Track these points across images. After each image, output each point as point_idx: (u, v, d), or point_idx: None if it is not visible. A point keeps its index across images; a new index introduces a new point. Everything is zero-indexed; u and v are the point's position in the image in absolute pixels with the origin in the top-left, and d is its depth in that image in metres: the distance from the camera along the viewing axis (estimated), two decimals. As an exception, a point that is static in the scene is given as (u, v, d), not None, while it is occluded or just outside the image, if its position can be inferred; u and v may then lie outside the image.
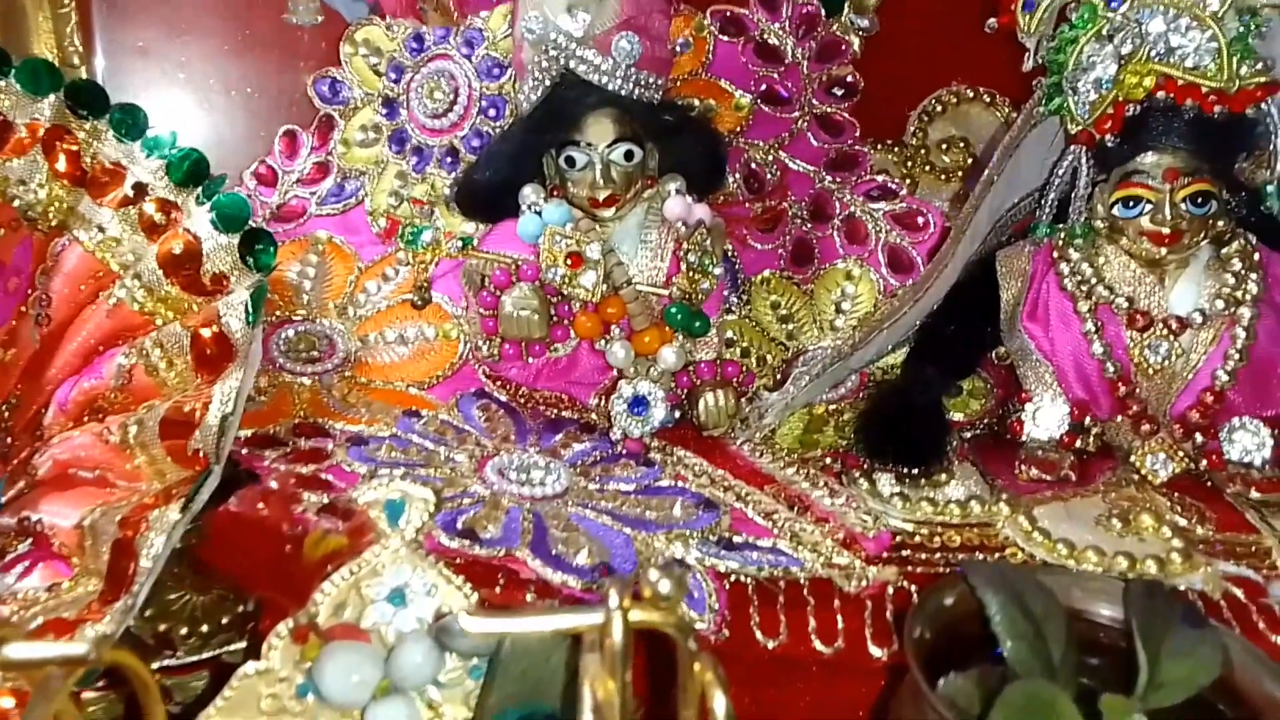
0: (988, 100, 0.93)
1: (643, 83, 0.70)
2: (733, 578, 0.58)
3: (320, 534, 0.47)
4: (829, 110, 0.87)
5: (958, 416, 0.74)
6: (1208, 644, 0.47)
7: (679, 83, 0.85)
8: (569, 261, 0.67)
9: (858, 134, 0.87)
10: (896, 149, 0.94)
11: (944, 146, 0.94)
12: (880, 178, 0.86)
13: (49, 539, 0.61)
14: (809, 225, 0.85)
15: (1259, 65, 0.64)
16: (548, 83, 0.69)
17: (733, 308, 0.82)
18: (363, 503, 0.51)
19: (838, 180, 0.86)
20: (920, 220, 0.83)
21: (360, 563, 0.50)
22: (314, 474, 0.60)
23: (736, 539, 0.60)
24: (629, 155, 0.71)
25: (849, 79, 0.87)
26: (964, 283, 0.75)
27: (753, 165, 0.86)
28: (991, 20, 0.70)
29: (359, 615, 0.50)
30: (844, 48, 0.87)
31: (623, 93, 0.69)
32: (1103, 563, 0.58)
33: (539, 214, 0.69)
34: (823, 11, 0.87)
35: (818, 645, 0.56)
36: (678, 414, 0.74)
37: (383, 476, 0.51)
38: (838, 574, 0.58)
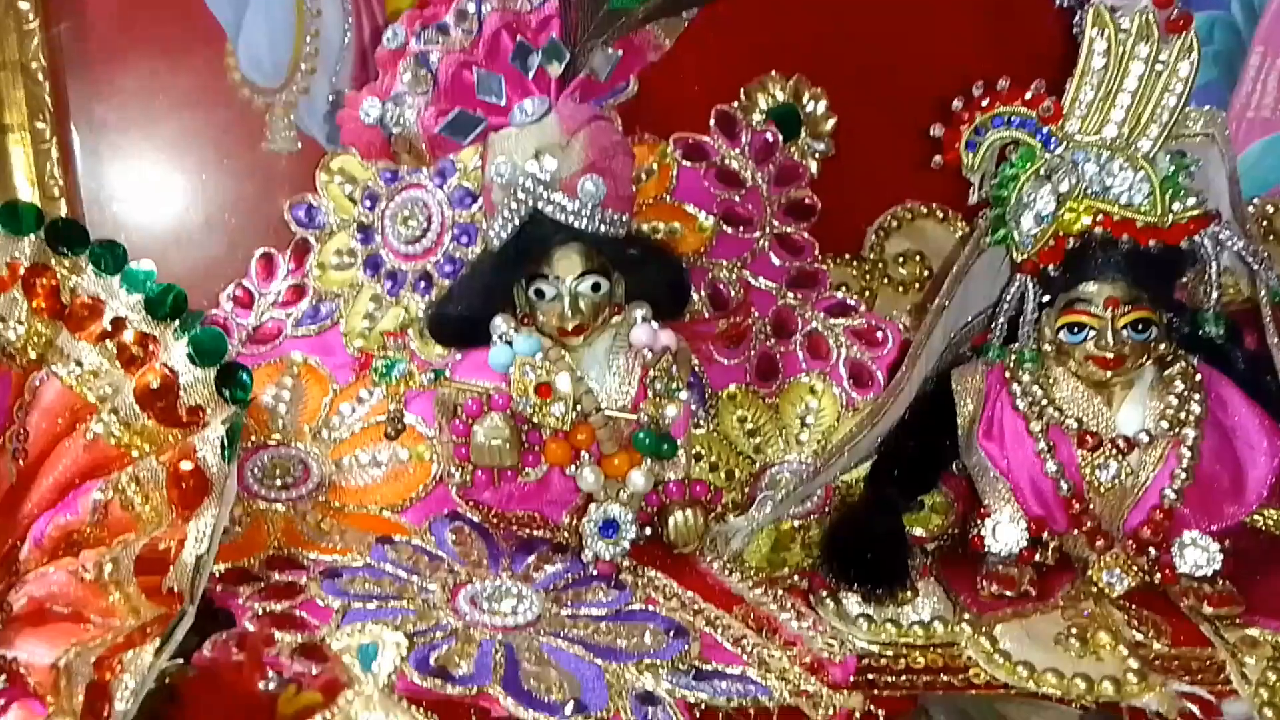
0: (941, 216, 0.97)
1: (607, 220, 0.73)
2: (703, 708, 0.59)
3: (294, 691, 0.48)
4: (789, 231, 0.91)
5: (919, 532, 0.76)
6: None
7: (645, 206, 0.89)
8: (539, 392, 0.69)
9: (816, 252, 0.91)
10: (855, 263, 0.98)
11: (901, 260, 0.98)
12: (839, 294, 0.89)
13: (24, 678, 0.61)
14: (772, 341, 0.88)
15: (1190, 200, 0.68)
16: (517, 221, 0.72)
17: (701, 421, 0.84)
18: (336, 649, 0.52)
19: (799, 297, 0.89)
20: (879, 335, 0.86)
21: (333, 710, 0.51)
22: (288, 611, 0.61)
23: (706, 667, 0.61)
24: (596, 287, 0.73)
25: (806, 201, 0.91)
26: (922, 399, 0.78)
27: (718, 284, 0.89)
28: (937, 158, 0.74)
29: (333, 763, 0.50)
30: (801, 170, 0.92)
31: (589, 230, 0.72)
32: (1061, 685, 0.60)
33: (509, 344, 0.72)
34: (780, 138, 0.91)
35: (786, 776, 0.57)
36: (649, 531, 0.76)
37: (354, 618, 0.52)
38: (805, 702, 0.59)
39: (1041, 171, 0.69)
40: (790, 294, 0.89)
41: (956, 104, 0.72)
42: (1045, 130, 0.69)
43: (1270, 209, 0.88)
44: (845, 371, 0.86)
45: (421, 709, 0.55)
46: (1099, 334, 0.69)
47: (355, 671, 0.52)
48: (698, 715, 0.59)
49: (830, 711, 0.58)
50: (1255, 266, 0.69)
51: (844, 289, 0.96)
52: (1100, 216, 0.68)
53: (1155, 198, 0.67)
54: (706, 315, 0.88)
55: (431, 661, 0.58)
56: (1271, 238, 0.87)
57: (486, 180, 0.73)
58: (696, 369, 0.86)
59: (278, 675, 0.50)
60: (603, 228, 0.73)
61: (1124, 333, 0.68)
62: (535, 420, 0.70)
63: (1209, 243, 0.68)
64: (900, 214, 0.98)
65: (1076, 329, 0.70)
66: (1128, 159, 0.67)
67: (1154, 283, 0.69)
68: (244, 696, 0.47)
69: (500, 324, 0.74)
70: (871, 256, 0.98)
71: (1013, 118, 0.70)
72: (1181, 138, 0.75)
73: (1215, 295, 0.69)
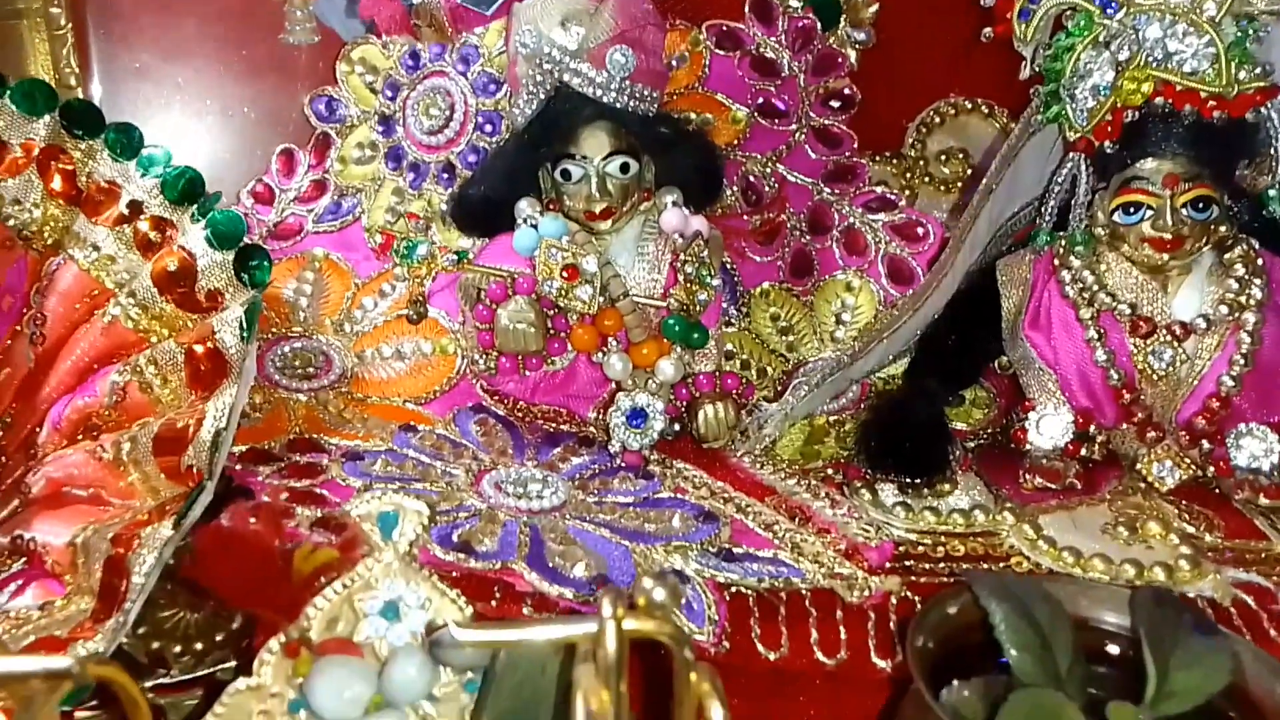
0: (985, 111, 0.93)
1: (637, 95, 0.69)
2: (733, 589, 0.57)
3: (310, 547, 0.47)
4: (826, 123, 0.87)
5: (960, 426, 0.73)
6: (1217, 651, 0.46)
7: (676, 97, 0.85)
8: (565, 274, 0.67)
9: (855, 146, 0.87)
10: (895, 161, 0.94)
11: (943, 158, 0.94)
12: (879, 189, 0.86)
13: (42, 557, 0.60)
14: (808, 237, 0.85)
15: (1257, 70, 0.64)
16: (542, 96, 0.69)
17: (732, 320, 0.82)
18: (356, 516, 0.50)
19: (836, 192, 0.86)
20: (920, 231, 0.83)
21: (353, 576, 0.49)
22: (308, 489, 0.60)
23: (737, 550, 0.59)
24: (624, 168, 0.70)
25: (846, 91, 0.87)
26: (965, 292, 0.75)
27: (751, 178, 0.85)
28: (987, 29, 0.70)
29: (352, 630, 0.49)
30: (840, 60, 0.87)
31: (617, 106, 0.69)
32: (1109, 571, 0.57)
33: (534, 227, 0.69)
34: (819, 25, 0.87)
35: (820, 657, 0.55)
36: (677, 426, 0.74)
37: (376, 490, 0.51)
38: (840, 584, 0.57)
39: (1100, 39, 0.65)
40: (827, 189, 0.86)
41: (1008, -30, 0.68)
42: (1104, -7, 0.65)
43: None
44: (884, 268, 0.82)
45: (444, 582, 0.53)
46: (1157, 213, 0.65)
47: (376, 539, 0.50)
48: (728, 596, 0.57)
49: (866, 594, 0.56)
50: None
51: (883, 186, 0.92)
52: (1161, 86, 0.64)
53: (1221, 65, 0.63)
54: (739, 210, 0.85)
55: (455, 537, 0.56)
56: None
57: (510, 53, 0.70)
58: (729, 265, 0.83)
59: (295, 541, 0.48)
60: (631, 103, 0.69)
61: (1183, 212, 0.65)
62: (561, 304, 0.68)
63: (1276, 115, 0.64)
64: (943, 109, 0.94)
65: (1133, 209, 0.66)
66: (1192, 24, 0.63)
67: (1216, 159, 0.65)
68: (259, 553, 0.46)
69: (525, 207, 0.71)
70: (912, 154, 0.94)
71: (1070, -19, 0.66)
72: (1253, 10, 0.71)
73: (1279, 173, 0.65)
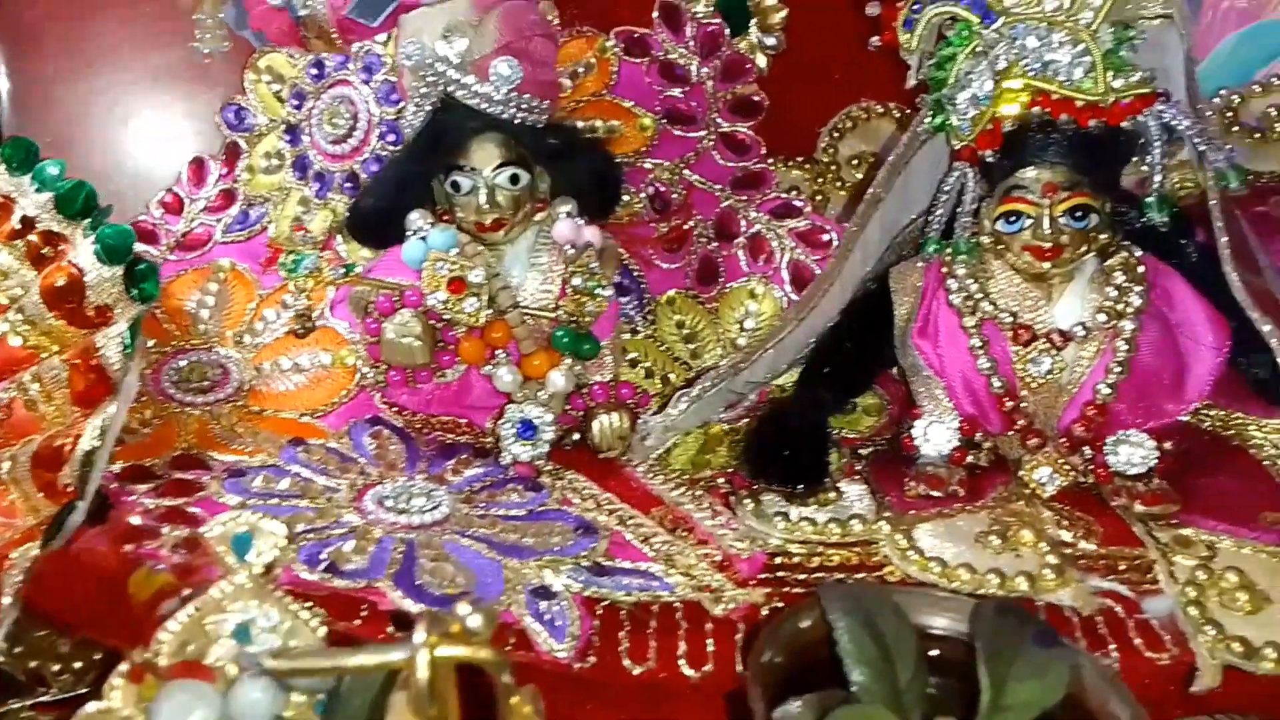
0: (897, 116, 0.93)
1: (525, 107, 0.69)
2: (605, 603, 0.58)
3: (146, 572, 0.47)
4: (734, 129, 0.87)
5: (850, 434, 0.74)
6: (1057, 664, 0.47)
7: (583, 104, 0.85)
8: (450, 287, 0.67)
9: (763, 152, 0.87)
10: (807, 165, 0.94)
11: (855, 162, 0.94)
12: (786, 195, 0.86)
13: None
14: (714, 244, 0.85)
15: (1135, 77, 0.64)
16: (428, 108, 0.69)
17: (638, 328, 0.82)
18: (210, 537, 0.50)
19: (743, 199, 0.86)
20: (824, 237, 0.83)
21: (206, 599, 0.49)
22: (182, 507, 0.60)
23: (609, 564, 0.59)
24: (514, 179, 0.70)
25: (753, 97, 0.87)
26: (860, 299, 0.75)
27: (658, 185, 0.86)
28: (874, 38, 0.70)
29: (203, 652, 0.49)
30: (748, 67, 0.87)
31: (504, 117, 0.69)
32: (974, 580, 0.58)
33: (424, 239, 0.69)
34: (726, 31, 0.87)
35: (685, 670, 0.55)
36: (576, 436, 0.74)
37: (233, 512, 0.51)
38: (707, 597, 0.57)
39: (979, 49, 0.65)
40: (734, 195, 0.86)
41: (892, -21, 0.68)
42: (983, 3, 0.65)
43: (1236, 100, 0.83)
44: (788, 274, 0.83)
45: (306, 603, 0.53)
46: (1036, 222, 0.65)
47: (229, 561, 0.50)
48: (599, 611, 0.58)
49: (731, 606, 0.57)
50: (1202, 148, 0.65)
51: (795, 192, 0.93)
52: (1039, 95, 0.64)
53: (1097, 74, 0.63)
54: (647, 218, 0.85)
55: (322, 557, 0.56)
56: (1236, 129, 0.82)
57: (397, 64, 0.70)
58: (635, 273, 0.83)
59: (152, 563, 0.48)
60: (519, 115, 0.69)
61: (1062, 220, 0.65)
62: (448, 317, 0.68)
63: (1153, 124, 0.64)
64: (855, 114, 0.94)
65: (1014, 218, 0.66)
66: (1069, 32, 0.63)
67: (1096, 167, 0.65)
68: (98, 578, 0.46)
69: (416, 218, 0.71)
70: (825, 159, 0.94)
71: (950, -9, 0.66)
72: (1139, 19, 0.71)
73: (1159, 180, 0.66)
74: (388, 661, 0.39)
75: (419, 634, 0.38)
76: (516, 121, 0.69)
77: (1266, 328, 0.61)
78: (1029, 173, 0.65)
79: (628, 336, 0.81)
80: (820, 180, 0.93)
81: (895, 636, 0.48)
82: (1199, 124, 0.65)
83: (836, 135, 0.94)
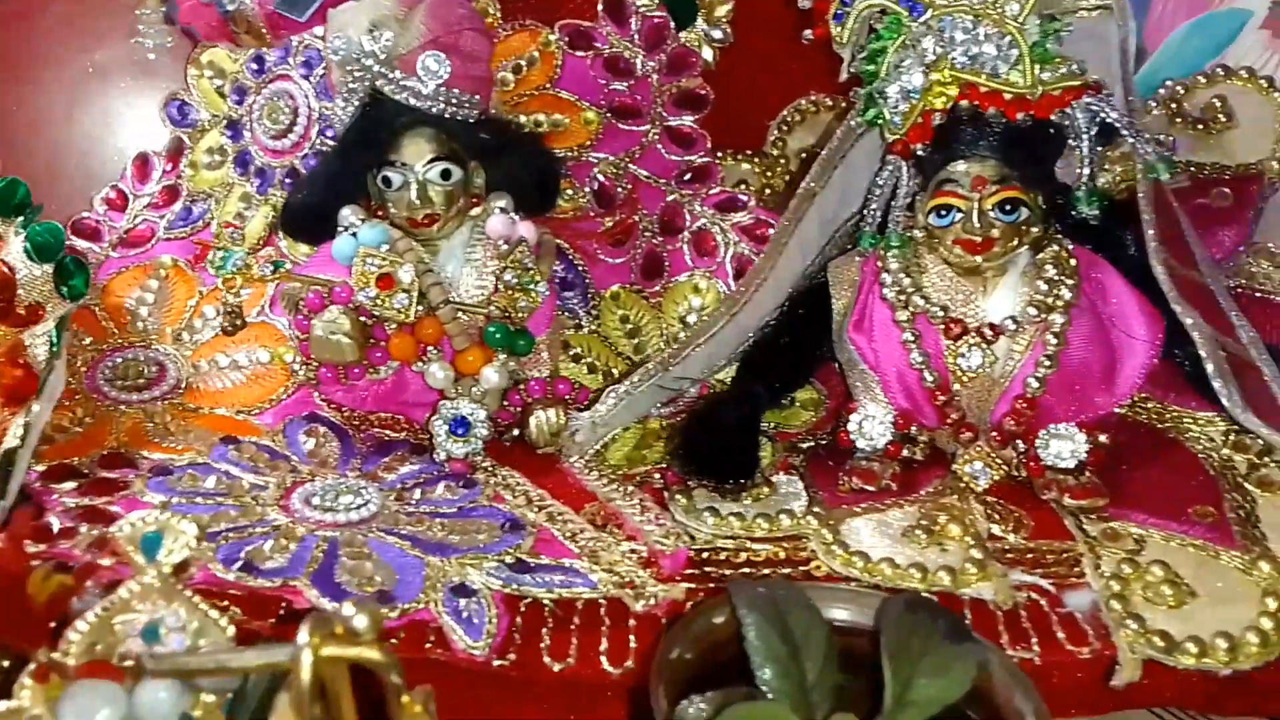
0: (845, 109, 0.93)
1: (455, 101, 0.69)
2: (528, 600, 0.57)
3: (45, 573, 0.46)
4: (679, 123, 0.87)
5: (787, 428, 0.74)
6: (963, 660, 0.47)
7: (527, 98, 0.85)
8: (379, 283, 0.66)
9: (709, 146, 0.87)
10: (756, 159, 0.94)
11: (804, 156, 0.94)
12: (730, 189, 0.86)
13: None
14: (659, 238, 0.85)
15: (1063, 70, 0.64)
16: (356, 103, 0.68)
17: (582, 322, 0.82)
18: (120, 537, 0.50)
19: (688, 193, 0.86)
20: (768, 232, 0.83)
21: (115, 598, 0.49)
22: (102, 506, 0.59)
23: (533, 561, 0.59)
24: (446, 174, 0.70)
25: (699, 91, 0.87)
26: (801, 294, 0.75)
27: (603, 179, 0.85)
28: (807, 31, 0.70)
29: (112, 651, 0.49)
30: (693, 60, 0.87)
31: (434, 112, 0.69)
32: (896, 575, 0.58)
33: (354, 235, 0.69)
34: (672, 24, 0.87)
35: (607, 666, 0.55)
36: (516, 432, 0.74)
37: (142, 511, 0.50)
38: (628, 594, 0.57)
39: (908, 42, 0.65)
40: (680, 189, 0.86)
41: (822, -29, 0.67)
42: (911, -4, 0.65)
43: (1181, 90, 0.83)
44: (731, 269, 0.82)
45: (222, 602, 0.53)
46: (966, 216, 0.65)
47: (138, 560, 0.50)
48: (523, 608, 0.57)
49: (651, 602, 0.56)
50: (1131, 139, 0.65)
51: (743, 185, 0.92)
52: (967, 88, 0.64)
53: (1024, 66, 0.63)
54: (591, 212, 0.85)
55: (240, 555, 0.56)
56: (1179, 121, 0.82)
57: (326, 59, 0.70)
58: (580, 268, 0.83)
59: (49, 565, 0.48)
60: (449, 109, 0.69)
61: (991, 214, 0.65)
62: (378, 314, 0.67)
63: (1081, 116, 0.64)
64: (804, 107, 0.94)
65: (945, 212, 0.66)
66: (995, 25, 0.63)
67: (1026, 161, 0.65)
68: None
69: (348, 214, 0.70)
70: (774, 152, 0.94)
71: (879, -17, 0.66)
72: (1078, 10, 0.71)
73: (1088, 173, 0.65)
74: (272, 662, 0.39)
75: (302, 634, 0.38)
76: (447, 116, 0.69)
77: (1189, 320, 0.61)
78: (959, 166, 0.65)
79: (571, 331, 0.81)
80: (769, 174, 0.93)
81: (805, 633, 0.48)
82: (1127, 116, 0.65)
83: (785, 129, 0.94)
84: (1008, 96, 0.63)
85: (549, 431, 0.71)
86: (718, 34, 0.89)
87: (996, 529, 0.63)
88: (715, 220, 0.84)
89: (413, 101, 0.68)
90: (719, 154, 0.91)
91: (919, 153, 0.66)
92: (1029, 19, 0.63)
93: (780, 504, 0.64)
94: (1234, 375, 0.60)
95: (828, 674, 0.47)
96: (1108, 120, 0.64)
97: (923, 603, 0.50)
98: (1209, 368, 0.59)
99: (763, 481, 0.66)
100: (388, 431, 0.74)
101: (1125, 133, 0.65)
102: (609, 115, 0.85)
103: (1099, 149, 0.67)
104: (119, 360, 0.77)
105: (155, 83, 0.91)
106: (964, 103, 0.64)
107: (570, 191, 0.84)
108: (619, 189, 0.85)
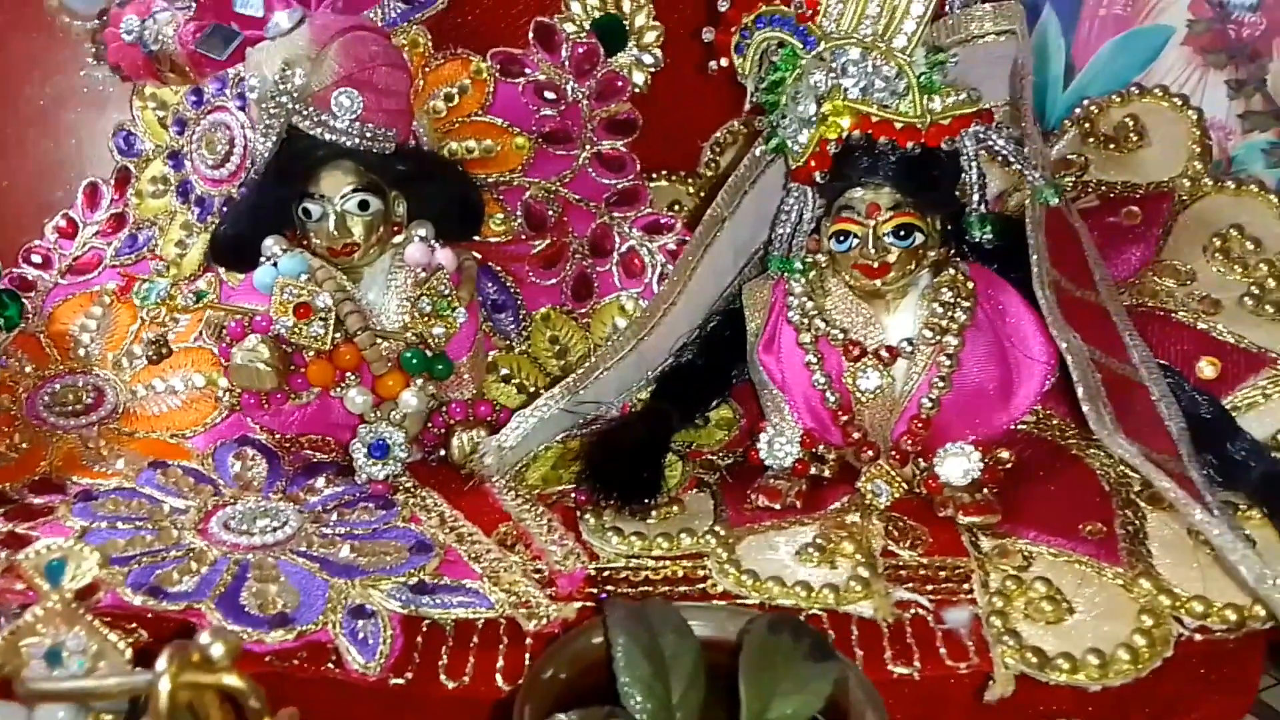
0: (753, 136, 0.94)
1: (369, 135, 0.71)
2: (427, 622, 0.59)
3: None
4: (609, 147, 0.89)
5: (702, 447, 0.75)
6: (820, 677, 0.49)
7: (459, 124, 0.87)
8: (297, 312, 0.69)
9: (638, 169, 0.89)
10: (691, 180, 0.96)
11: (732, 179, 0.95)
12: (657, 212, 0.88)
13: None
14: (589, 260, 0.87)
15: (951, 99, 0.65)
16: (274, 138, 0.71)
17: (513, 344, 0.84)
18: (25, 564, 0.52)
19: (618, 215, 0.88)
20: (688, 255, 0.85)
21: (21, 623, 0.51)
22: (24, 532, 0.62)
23: (434, 582, 0.61)
24: (364, 205, 0.72)
25: (628, 116, 0.89)
26: (718, 315, 0.77)
27: (534, 203, 0.87)
28: (713, 63, 0.72)
29: (17, 673, 0.51)
30: (621, 85, 0.89)
31: (348, 145, 0.71)
32: (782, 593, 0.60)
33: (275, 265, 0.71)
34: (600, 50, 0.89)
35: (500, 684, 0.57)
36: (442, 452, 0.76)
37: (92, 539, 0.53)
38: (522, 614, 0.59)
39: (803, 73, 0.67)
40: (609, 212, 0.88)
41: (723, 4, 0.69)
42: (803, 28, 0.67)
43: (1095, 110, 0.84)
44: (657, 290, 0.84)
45: (130, 625, 0.55)
46: (862, 241, 0.67)
47: (43, 586, 0.52)
48: (424, 628, 0.59)
49: (544, 622, 0.58)
50: (1018, 165, 0.67)
51: (678, 206, 0.94)
52: (859, 119, 0.65)
53: (913, 96, 0.65)
54: (522, 235, 0.87)
55: (150, 580, 0.58)
56: (1092, 140, 0.83)
57: (246, 94, 0.72)
58: (512, 289, 0.85)
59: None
60: (364, 143, 0.71)
61: (886, 239, 0.66)
62: (296, 341, 0.70)
63: (970, 144, 0.66)
64: (736, 129, 0.95)
65: (843, 237, 0.68)
66: (884, 56, 0.65)
67: (919, 187, 0.67)
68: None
69: (270, 244, 0.73)
70: (708, 173, 0.96)
71: (774, 16, 0.68)
72: (977, 38, 0.73)
73: (977, 198, 0.67)
74: (133, 687, 0.41)
75: (160, 662, 0.40)
76: (362, 149, 0.71)
77: (1064, 344, 0.63)
78: (855, 193, 0.67)
79: (501, 352, 0.83)
80: (703, 194, 0.95)
81: (674, 652, 0.50)
82: (1013, 143, 0.66)
83: (718, 150, 0.96)
84: (898, 126, 0.65)
85: (469, 452, 0.73)
86: (649, 59, 0.91)
87: (894, 546, 0.65)
88: (643, 242, 0.86)
89: (328, 136, 0.70)
90: (653, 175, 0.93)
91: (819, 180, 0.68)
92: (916, 51, 0.65)
93: (684, 522, 0.66)
94: (1115, 396, 0.62)
95: (693, 693, 0.49)
96: (994, 147, 0.66)
97: (788, 621, 0.51)
98: (1079, 390, 0.61)
99: (672, 500, 0.68)
100: (317, 453, 0.77)
101: (1013, 160, 0.66)
102: (540, 140, 0.87)
103: (1014, 168, 0.68)
104: (58, 386, 0.79)
105: (106, 113, 0.93)
106: (857, 132, 0.66)
107: (502, 215, 0.86)
108: (550, 212, 0.87)
